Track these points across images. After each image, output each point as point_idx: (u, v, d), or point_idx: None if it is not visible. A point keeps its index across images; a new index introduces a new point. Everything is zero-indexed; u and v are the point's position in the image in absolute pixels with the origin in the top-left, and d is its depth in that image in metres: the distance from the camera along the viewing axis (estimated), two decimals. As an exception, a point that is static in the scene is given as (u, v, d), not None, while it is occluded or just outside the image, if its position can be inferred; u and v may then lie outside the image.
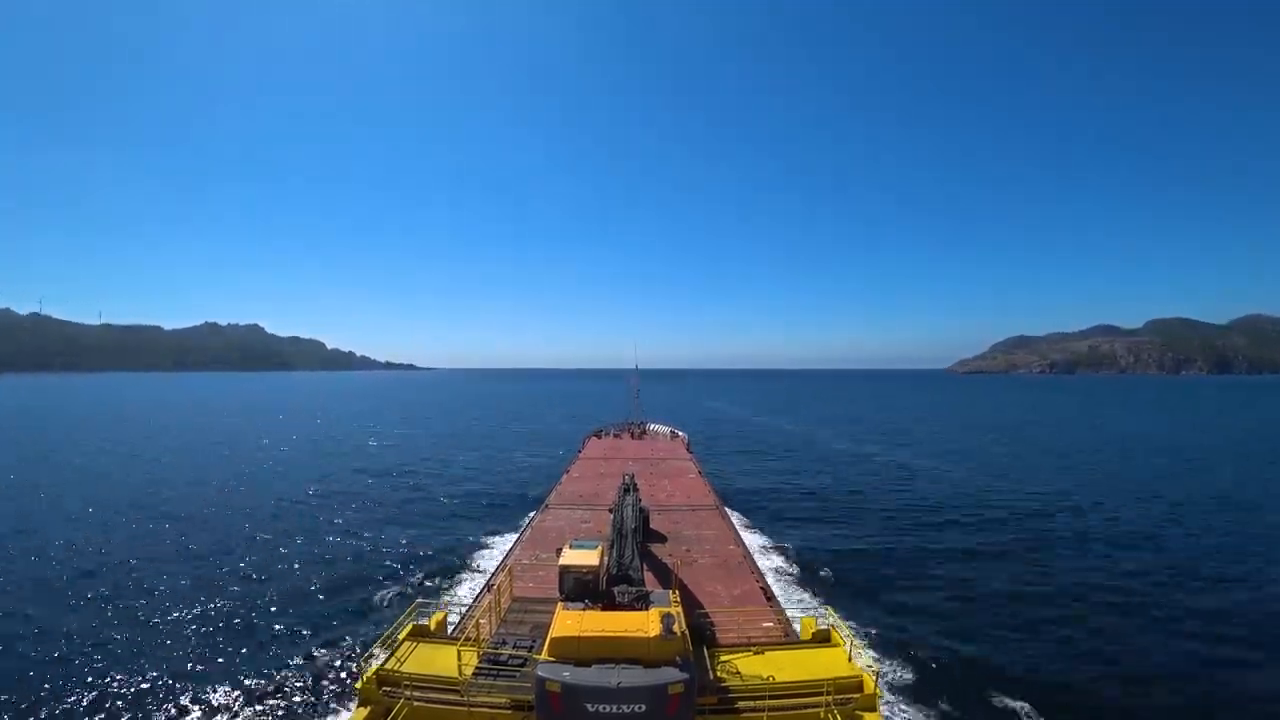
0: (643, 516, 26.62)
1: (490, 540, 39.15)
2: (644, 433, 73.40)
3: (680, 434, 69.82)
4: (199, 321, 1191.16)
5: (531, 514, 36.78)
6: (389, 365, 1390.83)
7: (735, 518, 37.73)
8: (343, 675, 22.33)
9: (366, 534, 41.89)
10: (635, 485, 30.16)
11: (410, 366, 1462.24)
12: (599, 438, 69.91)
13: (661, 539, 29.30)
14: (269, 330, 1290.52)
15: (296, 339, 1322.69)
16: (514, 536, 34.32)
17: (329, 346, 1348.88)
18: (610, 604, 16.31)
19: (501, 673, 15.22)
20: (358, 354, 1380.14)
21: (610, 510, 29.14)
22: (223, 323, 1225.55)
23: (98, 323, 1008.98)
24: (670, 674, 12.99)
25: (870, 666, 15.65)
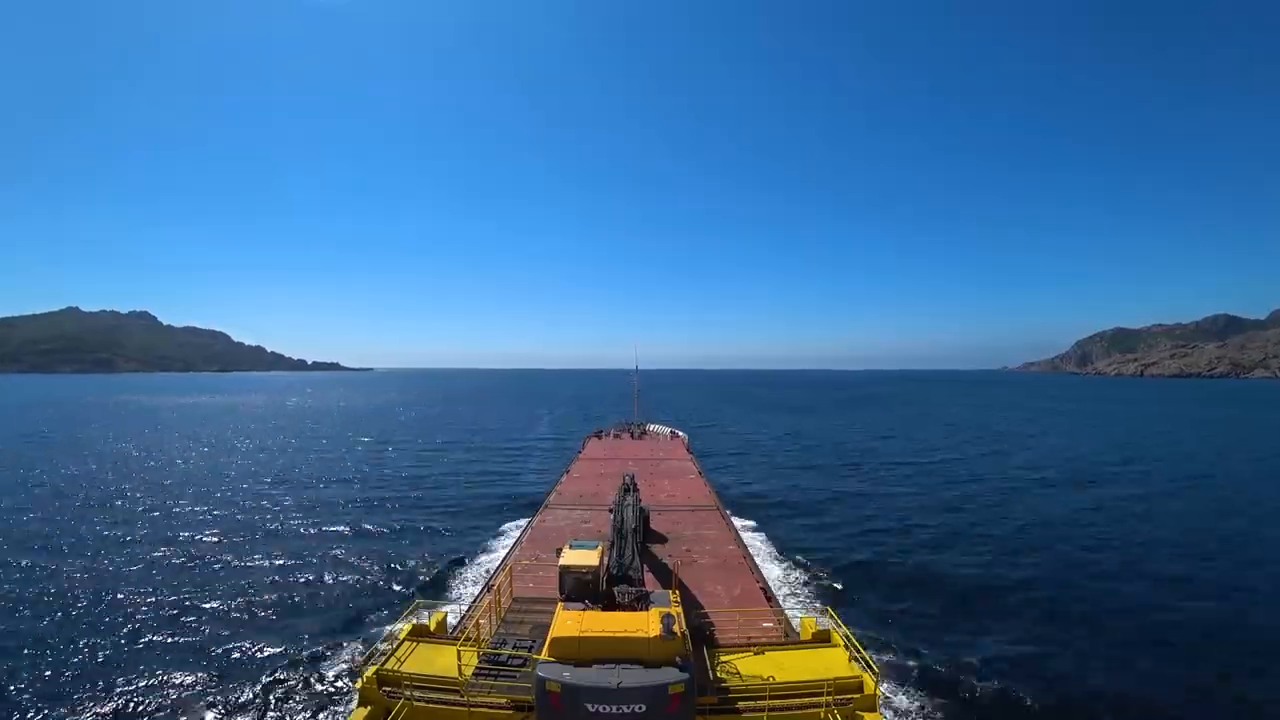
0: (643, 517, 26.63)
1: (490, 540, 39.08)
2: (644, 433, 73.55)
3: (680, 434, 69.95)
4: (60, 306, 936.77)
5: (531, 514, 36.80)
6: (304, 364, 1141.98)
7: (735, 518, 37.75)
8: (343, 675, 22.30)
9: (365, 535, 41.89)
10: (635, 485, 30.16)
11: (335, 366, 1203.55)
12: (599, 438, 70.04)
13: (661, 539, 29.31)
14: (161, 320, 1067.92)
15: (193, 329, 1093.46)
16: (514, 536, 34.35)
17: (234, 339, 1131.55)
18: (610, 604, 16.31)
19: (501, 673, 15.25)
20: (268, 350, 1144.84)
21: (610, 510, 29.14)
22: (90, 309, 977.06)
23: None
24: (670, 674, 13.00)
25: (870, 667, 15.63)
